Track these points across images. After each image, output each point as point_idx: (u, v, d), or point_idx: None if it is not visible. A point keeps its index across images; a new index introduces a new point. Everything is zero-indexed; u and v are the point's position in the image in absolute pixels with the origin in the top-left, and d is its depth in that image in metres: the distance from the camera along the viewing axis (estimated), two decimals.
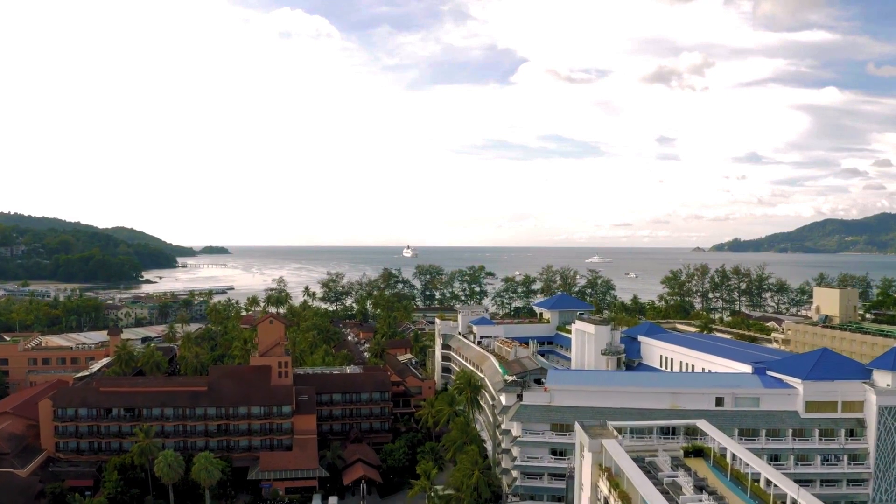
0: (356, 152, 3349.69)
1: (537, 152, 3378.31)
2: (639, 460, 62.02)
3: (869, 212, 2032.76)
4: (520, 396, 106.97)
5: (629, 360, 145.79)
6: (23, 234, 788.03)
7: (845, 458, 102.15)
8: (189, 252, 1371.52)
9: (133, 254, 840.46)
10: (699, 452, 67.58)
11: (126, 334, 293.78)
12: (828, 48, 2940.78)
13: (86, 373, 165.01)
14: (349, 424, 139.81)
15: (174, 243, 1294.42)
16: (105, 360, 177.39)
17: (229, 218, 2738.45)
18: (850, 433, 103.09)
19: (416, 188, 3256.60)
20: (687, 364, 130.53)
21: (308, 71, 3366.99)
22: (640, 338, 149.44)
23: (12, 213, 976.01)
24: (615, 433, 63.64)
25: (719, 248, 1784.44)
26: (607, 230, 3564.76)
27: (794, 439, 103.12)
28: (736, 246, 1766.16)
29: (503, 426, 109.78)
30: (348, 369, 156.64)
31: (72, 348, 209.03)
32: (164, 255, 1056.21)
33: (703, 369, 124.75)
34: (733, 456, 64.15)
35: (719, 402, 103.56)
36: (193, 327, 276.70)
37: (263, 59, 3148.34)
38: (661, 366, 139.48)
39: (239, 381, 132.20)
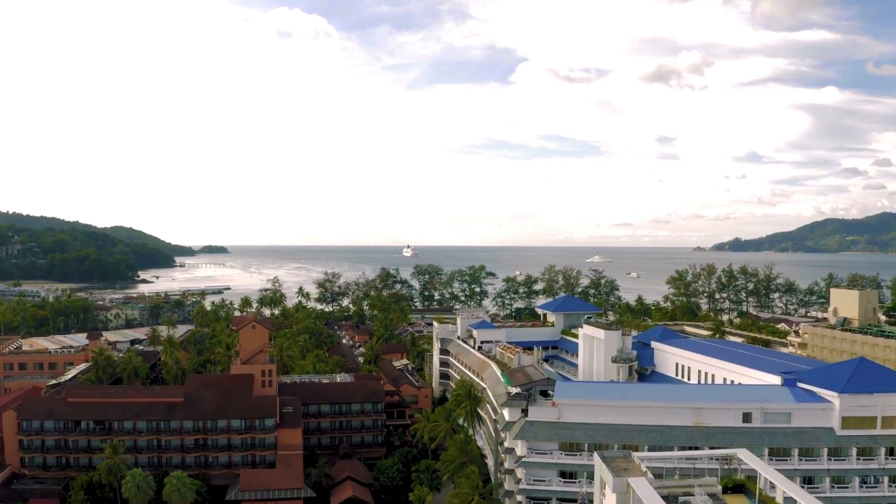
0: (356, 152, 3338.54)
1: (537, 152, 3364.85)
2: (671, 499, 51.89)
3: (869, 211, 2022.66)
4: (525, 411, 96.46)
5: (641, 367, 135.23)
6: (19, 233, 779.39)
7: (886, 479, 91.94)
8: (188, 251, 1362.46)
9: (130, 253, 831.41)
10: (740, 488, 57.21)
11: (114, 336, 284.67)
12: (828, 48, 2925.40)
13: (61, 379, 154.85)
14: (338, 438, 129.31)
15: (173, 243, 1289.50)
16: (83, 366, 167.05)
17: (229, 218, 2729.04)
18: (891, 452, 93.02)
19: (416, 188, 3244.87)
20: (706, 374, 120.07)
21: (308, 70, 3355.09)
22: (654, 344, 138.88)
23: (11, 212, 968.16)
24: (642, 467, 53.20)
25: (720, 247, 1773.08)
26: (607, 230, 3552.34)
27: (830, 459, 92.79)
28: (737, 245, 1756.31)
29: (506, 444, 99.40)
30: (338, 377, 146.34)
31: (50, 352, 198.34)
32: (162, 255, 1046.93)
33: (724, 380, 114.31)
34: (782, 492, 53.79)
35: (747, 417, 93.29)
36: (183, 329, 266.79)
37: (263, 59, 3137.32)
38: (676, 374, 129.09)
39: (218, 391, 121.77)
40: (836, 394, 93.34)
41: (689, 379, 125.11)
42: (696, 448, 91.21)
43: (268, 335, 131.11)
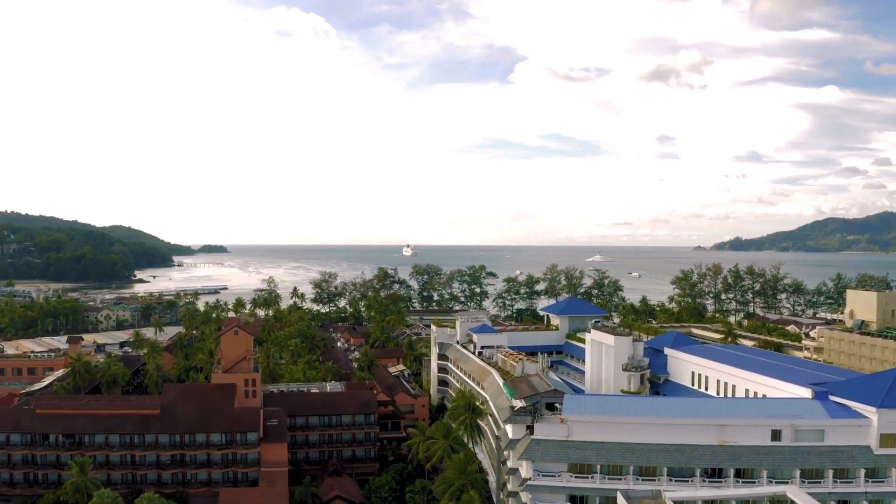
0: (356, 151, 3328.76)
1: (537, 151, 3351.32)
2: None
3: (869, 210, 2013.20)
4: (530, 428, 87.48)
5: (654, 376, 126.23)
6: (15, 231, 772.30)
7: None
8: (187, 251, 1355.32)
9: (128, 253, 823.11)
10: None
11: (103, 339, 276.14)
12: (828, 47, 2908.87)
13: (36, 387, 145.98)
14: (328, 453, 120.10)
15: (172, 242, 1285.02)
16: (60, 373, 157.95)
17: (229, 217, 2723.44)
18: None
19: (416, 188, 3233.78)
20: (726, 384, 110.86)
21: (308, 70, 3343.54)
22: (667, 350, 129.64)
23: (8, 211, 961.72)
24: None
25: (720, 246, 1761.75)
26: (608, 229, 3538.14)
27: (867, 481, 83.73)
28: (737, 245, 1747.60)
29: (509, 463, 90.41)
30: (329, 386, 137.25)
31: (30, 357, 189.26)
32: (161, 254, 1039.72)
33: (746, 391, 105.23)
34: None
35: (776, 435, 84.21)
36: (174, 332, 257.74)
37: (263, 58, 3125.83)
38: (692, 384, 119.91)
39: (197, 402, 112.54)
40: (873, 408, 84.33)
41: (706, 389, 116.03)
42: (721, 470, 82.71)
43: (252, 341, 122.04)
